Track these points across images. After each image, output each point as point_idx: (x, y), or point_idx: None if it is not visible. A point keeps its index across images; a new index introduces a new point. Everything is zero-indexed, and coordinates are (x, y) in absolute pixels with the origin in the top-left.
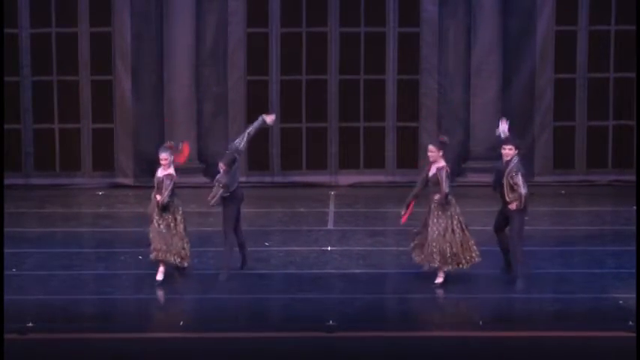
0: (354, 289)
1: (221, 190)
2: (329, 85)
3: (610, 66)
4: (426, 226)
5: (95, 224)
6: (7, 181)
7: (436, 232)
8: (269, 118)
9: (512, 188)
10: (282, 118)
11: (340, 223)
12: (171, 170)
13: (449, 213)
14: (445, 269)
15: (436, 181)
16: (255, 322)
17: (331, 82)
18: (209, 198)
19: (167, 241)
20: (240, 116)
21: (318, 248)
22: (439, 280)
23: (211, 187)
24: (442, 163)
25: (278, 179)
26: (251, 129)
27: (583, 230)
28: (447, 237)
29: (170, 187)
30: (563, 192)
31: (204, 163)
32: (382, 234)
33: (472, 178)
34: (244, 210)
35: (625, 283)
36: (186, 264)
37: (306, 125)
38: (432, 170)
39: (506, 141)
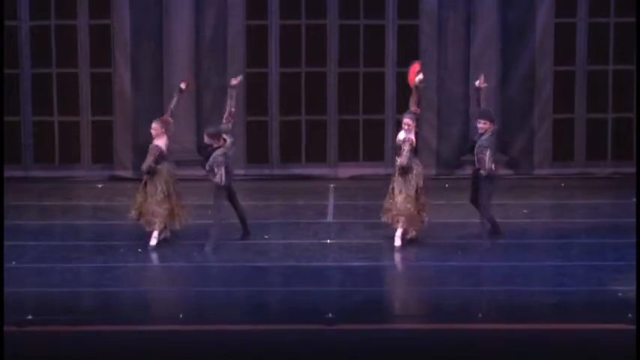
0: (353, 282)
1: (222, 168)
2: (328, 77)
3: (609, 58)
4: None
5: (94, 217)
6: (6, 174)
7: (399, 196)
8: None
9: (480, 160)
10: (282, 110)
11: (340, 216)
12: (159, 142)
13: (408, 176)
14: (410, 230)
15: (400, 147)
16: (254, 315)
17: (331, 74)
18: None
19: (164, 208)
20: (239, 108)
21: (317, 241)
22: (399, 242)
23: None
24: (411, 135)
25: (277, 172)
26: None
27: (582, 223)
28: (408, 200)
29: (153, 157)
30: (562, 184)
31: (202, 155)
32: (382, 227)
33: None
34: (244, 203)
35: (624, 276)
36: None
37: (305, 118)
38: (400, 136)
39: (481, 115)
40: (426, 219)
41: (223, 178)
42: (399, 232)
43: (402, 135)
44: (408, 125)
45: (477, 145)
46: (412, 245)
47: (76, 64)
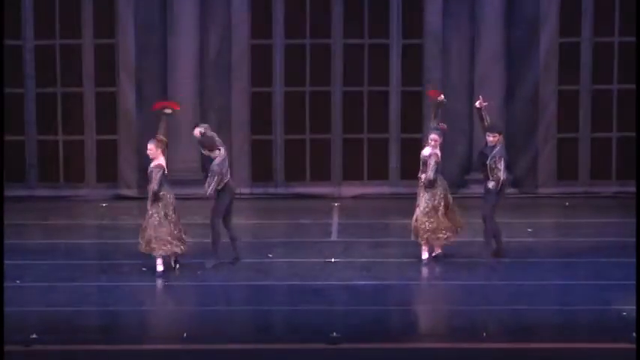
0: (357, 301)
1: (215, 178)
2: (333, 96)
3: (614, 78)
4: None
5: (98, 236)
6: (10, 193)
7: (421, 210)
8: None
9: (494, 171)
10: (286, 129)
11: (344, 235)
12: (160, 161)
13: (435, 191)
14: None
15: (425, 162)
16: (258, 334)
17: (335, 93)
18: (205, 187)
19: (164, 231)
20: (243, 127)
21: (321, 260)
22: (424, 255)
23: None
24: (437, 150)
25: (281, 191)
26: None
27: (587, 242)
28: (430, 214)
29: (159, 177)
30: (566, 203)
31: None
32: (386, 245)
33: (475, 189)
34: (248, 221)
35: (628, 295)
36: (180, 250)
37: (309, 137)
38: (425, 152)
39: (491, 128)
40: (449, 235)
41: (211, 189)
42: (424, 248)
43: (427, 150)
44: (435, 141)
45: (489, 157)
46: (436, 263)
47: (80, 83)
